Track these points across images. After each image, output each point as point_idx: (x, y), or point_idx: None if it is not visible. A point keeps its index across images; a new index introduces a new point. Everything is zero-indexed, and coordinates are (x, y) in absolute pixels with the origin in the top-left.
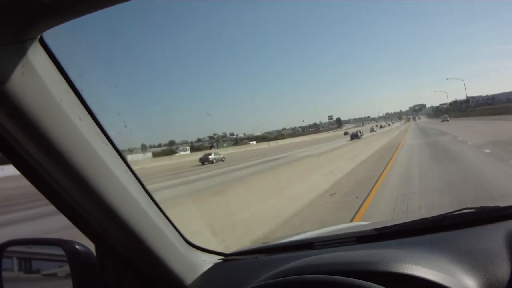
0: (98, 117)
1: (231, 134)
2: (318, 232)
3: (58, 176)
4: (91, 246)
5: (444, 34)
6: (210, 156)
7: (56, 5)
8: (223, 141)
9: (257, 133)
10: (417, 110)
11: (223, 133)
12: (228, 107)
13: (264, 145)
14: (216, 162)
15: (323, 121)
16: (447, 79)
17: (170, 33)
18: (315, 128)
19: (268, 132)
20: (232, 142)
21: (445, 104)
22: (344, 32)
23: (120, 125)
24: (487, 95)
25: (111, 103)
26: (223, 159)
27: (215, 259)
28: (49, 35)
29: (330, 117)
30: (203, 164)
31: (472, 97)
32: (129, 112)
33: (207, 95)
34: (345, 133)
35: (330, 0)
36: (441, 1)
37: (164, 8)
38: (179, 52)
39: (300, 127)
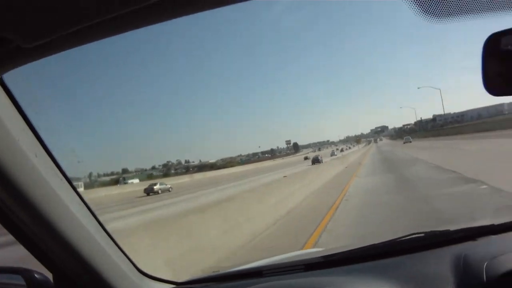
0: (54, 153)
1: (186, 162)
2: (268, 261)
3: (15, 209)
4: (50, 275)
5: (406, 54)
6: (155, 187)
7: (14, 52)
8: (165, 171)
9: (212, 160)
10: (379, 132)
11: (177, 160)
12: (184, 134)
13: (186, 178)
14: (161, 193)
15: (281, 146)
16: (418, 88)
17: (121, 66)
18: (272, 153)
19: (222, 159)
20: (146, 175)
21: (408, 124)
22: (301, 56)
23: (74, 160)
24: (455, 113)
25: (66, 138)
26: (170, 190)
27: (168, 287)
28: (8, 77)
29: (288, 142)
30: (148, 195)
31: (439, 115)
32: (83, 143)
33: (163, 122)
34: (306, 158)
35: (288, 21)
36: (398, 23)
37: (109, 45)
38: (132, 81)
39: (255, 153)
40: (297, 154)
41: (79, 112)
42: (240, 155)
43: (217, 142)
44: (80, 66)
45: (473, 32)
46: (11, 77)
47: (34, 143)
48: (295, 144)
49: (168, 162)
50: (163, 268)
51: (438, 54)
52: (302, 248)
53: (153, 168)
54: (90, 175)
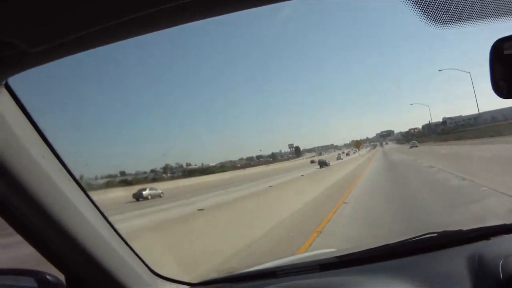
0: (61, 154)
1: (188, 165)
2: (282, 261)
3: (25, 211)
4: (62, 277)
5: (415, 58)
6: (144, 192)
7: (19, 56)
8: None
9: (212, 163)
10: (385, 136)
11: (176, 163)
12: (187, 137)
13: (180, 183)
14: (151, 198)
15: (283, 150)
16: (439, 70)
17: (127, 70)
18: (273, 157)
19: (221, 163)
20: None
21: (415, 128)
22: (306, 59)
23: (81, 162)
24: (468, 115)
25: (73, 140)
26: (161, 195)
27: None
28: (14, 80)
29: (291, 146)
30: (137, 200)
31: (450, 118)
32: (89, 145)
33: (166, 125)
34: (312, 161)
35: (292, 25)
36: (412, 25)
37: (125, 51)
38: (137, 83)
39: (256, 156)
40: (299, 158)
41: (83, 114)
42: (242, 158)
43: (219, 145)
44: (85, 69)
45: (480, 37)
46: (17, 80)
47: (41, 145)
48: (297, 148)
49: (166, 165)
50: (175, 269)
51: (447, 58)
52: None
53: (152, 171)
54: (81, 177)
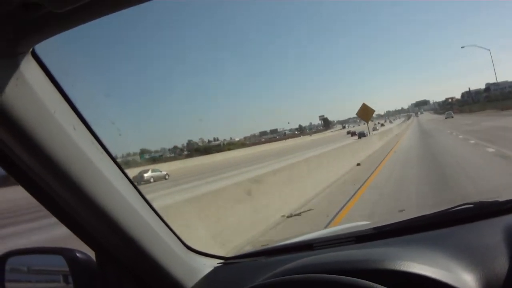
0: (93, 126)
1: (215, 139)
2: (318, 233)
3: (55, 186)
4: (92, 254)
5: (449, 26)
6: (145, 174)
7: (45, 19)
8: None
9: (237, 137)
10: (420, 106)
11: (200, 139)
12: (216, 111)
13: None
14: (154, 181)
15: (314, 122)
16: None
17: (160, 40)
18: (300, 130)
19: (246, 138)
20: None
21: (452, 98)
22: (338, 32)
23: (115, 133)
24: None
25: (105, 111)
26: (166, 177)
27: (215, 262)
28: (41, 48)
29: (322, 117)
30: (138, 184)
31: (494, 84)
32: (118, 119)
33: (196, 100)
34: (348, 132)
35: None
36: None
37: (153, 20)
38: (168, 56)
39: (271, 131)
40: (330, 130)
41: (115, 84)
42: (265, 131)
43: (245, 118)
44: (118, 32)
45: None
46: (44, 47)
47: (71, 116)
48: (325, 120)
49: (189, 141)
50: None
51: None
52: None
53: (175, 148)
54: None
